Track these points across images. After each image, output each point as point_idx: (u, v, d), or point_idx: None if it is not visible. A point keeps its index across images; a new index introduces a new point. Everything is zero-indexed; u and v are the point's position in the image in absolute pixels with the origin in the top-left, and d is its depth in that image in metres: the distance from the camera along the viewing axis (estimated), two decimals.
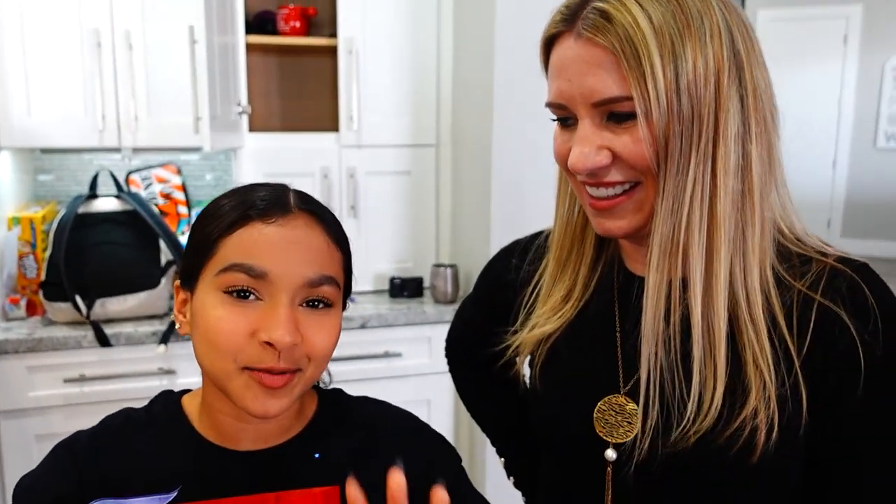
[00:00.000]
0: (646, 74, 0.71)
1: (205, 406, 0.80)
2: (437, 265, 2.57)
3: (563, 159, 0.80)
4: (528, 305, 0.94)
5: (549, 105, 0.81)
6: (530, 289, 0.94)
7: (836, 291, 0.76)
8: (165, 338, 2.19)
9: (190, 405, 0.82)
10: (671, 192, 0.74)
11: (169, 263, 2.35)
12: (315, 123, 2.76)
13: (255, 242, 0.71)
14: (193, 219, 2.71)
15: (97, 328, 2.16)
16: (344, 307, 0.80)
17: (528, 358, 0.94)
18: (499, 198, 2.36)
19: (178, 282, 0.79)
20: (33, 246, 2.34)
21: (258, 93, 2.72)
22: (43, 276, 2.24)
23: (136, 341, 2.20)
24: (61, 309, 2.20)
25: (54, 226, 2.29)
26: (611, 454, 0.82)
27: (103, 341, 2.15)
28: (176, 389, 0.86)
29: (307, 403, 0.84)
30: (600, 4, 0.73)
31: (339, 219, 0.81)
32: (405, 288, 2.61)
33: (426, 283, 2.67)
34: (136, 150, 2.71)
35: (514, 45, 2.24)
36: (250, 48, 2.53)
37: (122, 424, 0.81)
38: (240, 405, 0.72)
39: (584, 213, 0.88)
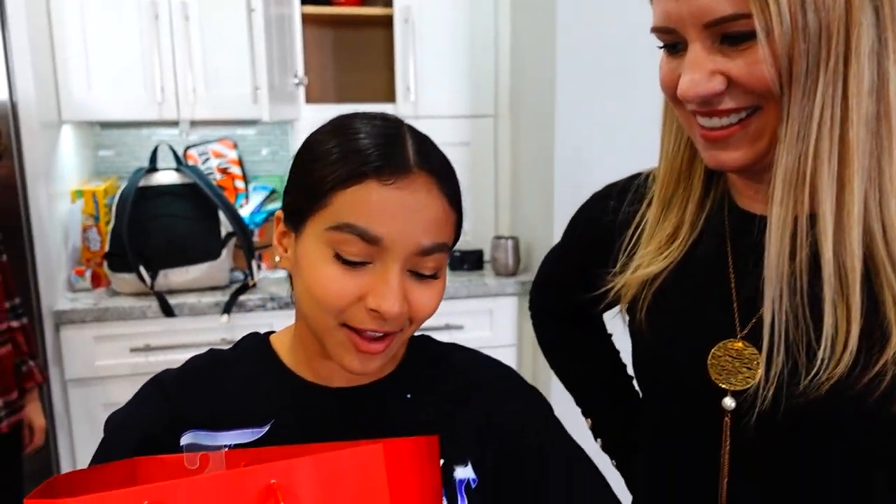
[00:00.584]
0: None
1: (297, 343, 0.78)
2: (498, 237, 2.52)
3: (670, 88, 0.74)
4: (630, 247, 0.88)
5: (655, 30, 0.75)
6: (631, 231, 0.89)
7: None
8: (228, 308, 2.19)
9: (279, 343, 0.81)
10: (796, 117, 0.68)
11: (229, 235, 2.35)
12: (371, 95, 2.72)
13: (371, 204, 0.67)
14: (251, 193, 2.71)
15: (161, 298, 2.17)
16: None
17: (629, 303, 0.88)
18: (562, 167, 2.30)
19: (279, 212, 0.76)
20: (96, 219, 2.36)
21: (314, 65, 2.69)
22: (107, 248, 2.25)
23: (199, 312, 2.20)
24: (125, 280, 2.21)
25: (116, 198, 2.30)
26: (729, 402, 0.76)
27: (167, 311, 2.15)
28: None
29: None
30: None
31: None
32: (465, 261, 2.57)
33: (486, 256, 2.62)
34: (194, 124, 2.71)
35: (578, 7, 2.18)
36: (305, 19, 2.51)
37: (210, 363, 0.80)
38: (336, 361, 0.72)
39: (690, 147, 0.82)
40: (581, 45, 2.20)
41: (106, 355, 2.17)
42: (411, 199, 0.68)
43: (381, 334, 0.70)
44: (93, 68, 2.32)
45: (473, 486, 0.76)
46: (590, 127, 2.27)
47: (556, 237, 1.02)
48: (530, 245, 2.53)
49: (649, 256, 0.84)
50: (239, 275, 2.42)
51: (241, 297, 2.24)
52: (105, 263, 2.24)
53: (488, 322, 2.47)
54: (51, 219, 2.18)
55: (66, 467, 2.17)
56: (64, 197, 2.34)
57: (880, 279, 0.70)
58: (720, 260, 0.81)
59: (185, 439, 0.73)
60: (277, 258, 0.76)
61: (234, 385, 0.77)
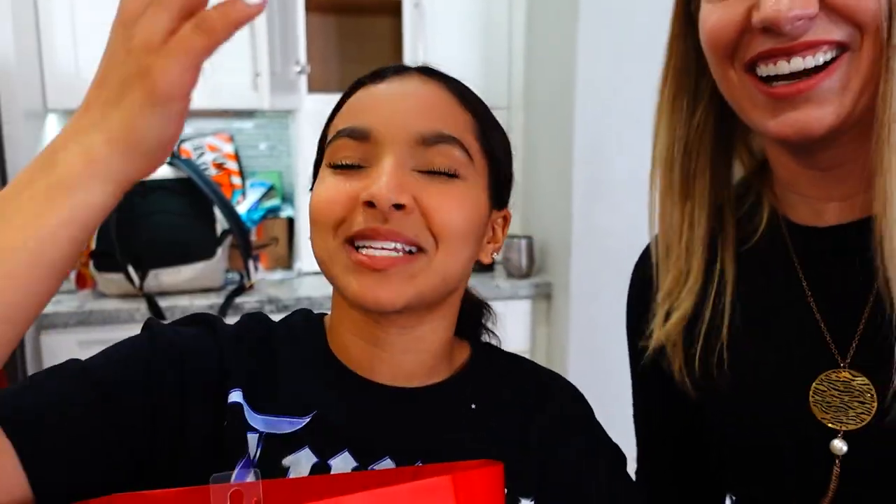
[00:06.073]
0: None
1: (333, 324, 0.68)
2: (511, 236, 2.37)
3: (724, 35, 0.60)
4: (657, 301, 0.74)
5: None
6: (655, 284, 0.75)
7: None
8: (223, 311, 2.03)
9: (327, 325, 0.70)
10: None
11: (225, 233, 2.20)
12: None
13: (360, 103, 0.64)
14: (248, 189, 2.56)
15: (151, 301, 2.01)
16: (501, 202, 0.68)
17: (684, 361, 0.72)
18: (581, 161, 2.15)
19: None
20: None
21: (316, 54, 2.54)
22: (93, 246, 2.10)
23: None
24: (113, 280, 2.06)
25: None
26: (840, 445, 0.61)
27: (157, 314, 2.00)
28: None
29: (458, 352, 0.71)
30: None
31: None
32: None
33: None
34: (189, 115, 2.55)
35: None
36: (308, 5, 2.36)
37: (263, 331, 0.68)
38: (348, 295, 0.60)
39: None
40: (605, 28, 2.05)
41: None
42: (399, 88, 0.63)
43: (392, 246, 0.58)
44: (81, 53, 2.16)
45: None
46: (612, 118, 2.13)
47: (575, 235, 0.88)
48: (545, 244, 2.38)
49: (673, 296, 0.70)
50: (235, 276, 2.27)
51: (237, 300, 2.08)
52: (91, 263, 2.09)
53: (500, 327, 2.32)
54: None
55: None
56: None
57: None
58: (791, 284, 0.67)
59: (234, 397, 0.60)
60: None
61: (284, 363, 0.66)
